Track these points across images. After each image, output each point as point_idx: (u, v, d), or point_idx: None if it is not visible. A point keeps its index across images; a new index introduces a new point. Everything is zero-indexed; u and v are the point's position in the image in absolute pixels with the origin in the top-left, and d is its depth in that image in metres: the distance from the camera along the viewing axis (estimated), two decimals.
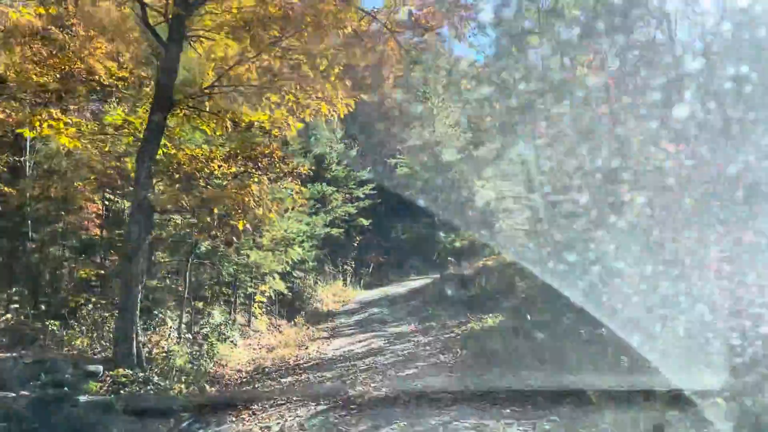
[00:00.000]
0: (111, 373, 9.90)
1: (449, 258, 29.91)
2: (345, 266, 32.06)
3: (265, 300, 18.13)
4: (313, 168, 30.84)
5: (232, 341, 14.11)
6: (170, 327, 12.16)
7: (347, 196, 33.20)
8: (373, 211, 34.79)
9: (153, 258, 14.17)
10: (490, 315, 19.24)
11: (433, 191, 26.89)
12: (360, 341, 16.76)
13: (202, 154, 12.04)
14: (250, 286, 16.27)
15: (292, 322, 20.79)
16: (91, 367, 9.92)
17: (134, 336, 10.31)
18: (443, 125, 27.67)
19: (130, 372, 10.02)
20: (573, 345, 12.92)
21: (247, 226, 11.29)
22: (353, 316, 23.21)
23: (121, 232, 13.78)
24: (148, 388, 9.93)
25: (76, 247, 14.36)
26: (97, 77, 11.50)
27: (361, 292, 30.87)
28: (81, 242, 14.32)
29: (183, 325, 13.13)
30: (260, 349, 16.15)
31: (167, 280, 14.19)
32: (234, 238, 11.40)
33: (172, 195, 10.30)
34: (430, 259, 37.07)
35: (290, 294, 23.96)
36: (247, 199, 10.99)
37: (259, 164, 12.29)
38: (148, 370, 10.47)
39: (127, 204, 13.34)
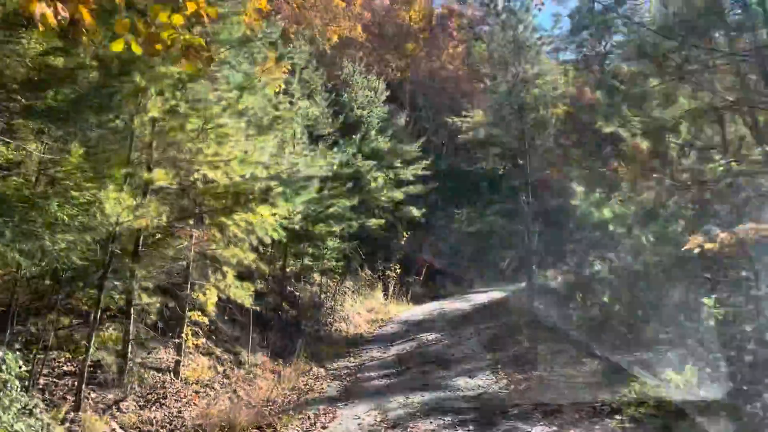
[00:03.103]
0: None
1: (535, 267, 20.19)
2: (387, 271, 22.40)
3: (206, 321, 8.69)
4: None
5: None
6: None
7: (391, 177, 23.64)
8: (427, 199, 25.07)
9: None
10: (653, 355, 9.41)
11: (519, 153, 16.98)
12: (399, 422, 7.11)
13: None
14: (146, 290, 6.74)
15: (282, 360, 11.29)
16: None
17: None
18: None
19: None
20: None
21: None
22: (392, 347, 13.56)
23: None
24: None
25: None
26: None
27: (408, 308, 21.08)
28: None
29: None
30: None
31: None
32: None
33: None
34: (499, 266, 26.98)
35: (292, 308, 14.55)
36: None
37: None
38: None
39: None
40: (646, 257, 11.36)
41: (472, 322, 16.49)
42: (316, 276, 16.50)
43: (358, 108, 22.61)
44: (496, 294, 22.41)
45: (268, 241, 8.34)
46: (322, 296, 16.89)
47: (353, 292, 19.72)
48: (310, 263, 15.81)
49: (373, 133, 22.63)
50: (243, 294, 7.92)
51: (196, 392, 8.22)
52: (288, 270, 14.59)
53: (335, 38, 27.97)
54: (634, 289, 12.89)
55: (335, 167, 17.29)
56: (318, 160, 10.74)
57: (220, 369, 9.41)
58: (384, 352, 13.09)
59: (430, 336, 14.77)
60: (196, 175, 6.67)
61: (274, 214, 7.26)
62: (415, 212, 23.74)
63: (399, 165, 24.09)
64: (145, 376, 7.85)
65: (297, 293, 14.91)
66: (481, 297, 22.33)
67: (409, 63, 34.18)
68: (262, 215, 7.10)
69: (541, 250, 17.85)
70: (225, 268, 7.98)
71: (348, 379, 10.35)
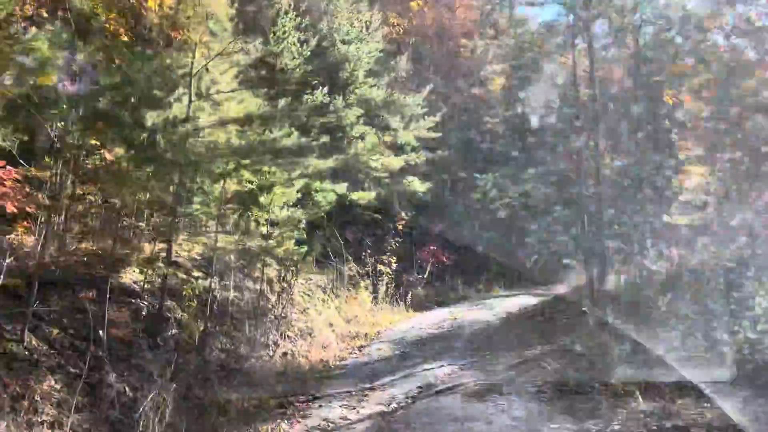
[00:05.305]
0: None
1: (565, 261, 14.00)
2: (378, 265, 15.77)
3: None
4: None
5: None
6: None
7: (386, 139, 17.13)
8: (435, 172, 18.52)
9: None
10: None
11: (581, 78, 10.41)
12: None
13: None
14: None
15: None
16: None
17: None
18: None
19: None
20: None
21: None
22: (372, 396, 7.02)
23: None
24: None
25: None
26: None
27: (407, 317, 14.40)
28: None
29: None
30: None
31: None
32: None
33: None
34: (525, 263, 20.32)
35: (196, 320, 7.92)
36: None
37: None
38: None
39: None
40: None
41: (508, 345, 9.93)
42: (258, 266, 9.96)
43: (341, 42, 16.12)
44: (526, 299, 15.88)
45: None
46: (272, 298, 10.40)
47: (326, 292, 13.15)
48: (258, 242, 9.19)
49: (361, 74, 16.12)
50: None
51: None
52: (189, 252, 8.05)
53: None
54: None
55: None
56: None
57: None
58: (353, 410, 6.55)
59: (441, 369, 8.28)
60: None
61: None
62: (418, 186, 17.23)
63: (398, 124, 17.61)
64: None
65: (211, 294, 8.33)
66: (508, 303, 15.71)
67: (413, 19, 27.83)
68: None
69: (614, 234, 11.27)
70: None
71: None
